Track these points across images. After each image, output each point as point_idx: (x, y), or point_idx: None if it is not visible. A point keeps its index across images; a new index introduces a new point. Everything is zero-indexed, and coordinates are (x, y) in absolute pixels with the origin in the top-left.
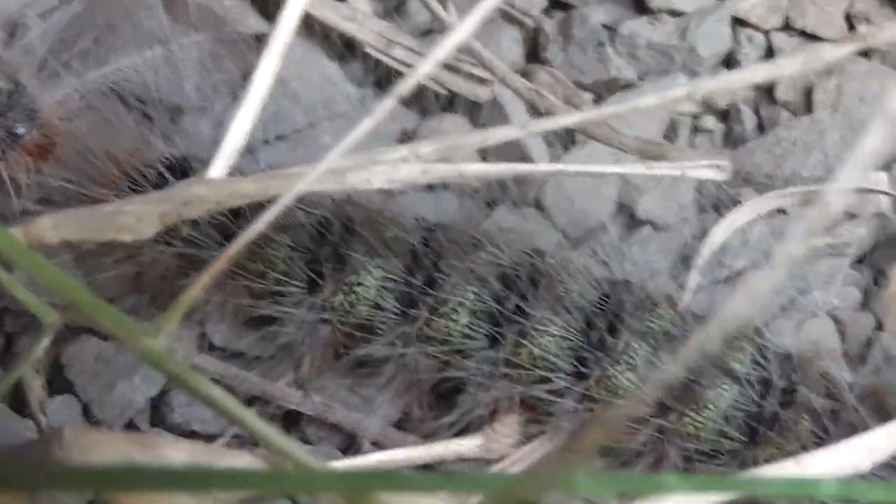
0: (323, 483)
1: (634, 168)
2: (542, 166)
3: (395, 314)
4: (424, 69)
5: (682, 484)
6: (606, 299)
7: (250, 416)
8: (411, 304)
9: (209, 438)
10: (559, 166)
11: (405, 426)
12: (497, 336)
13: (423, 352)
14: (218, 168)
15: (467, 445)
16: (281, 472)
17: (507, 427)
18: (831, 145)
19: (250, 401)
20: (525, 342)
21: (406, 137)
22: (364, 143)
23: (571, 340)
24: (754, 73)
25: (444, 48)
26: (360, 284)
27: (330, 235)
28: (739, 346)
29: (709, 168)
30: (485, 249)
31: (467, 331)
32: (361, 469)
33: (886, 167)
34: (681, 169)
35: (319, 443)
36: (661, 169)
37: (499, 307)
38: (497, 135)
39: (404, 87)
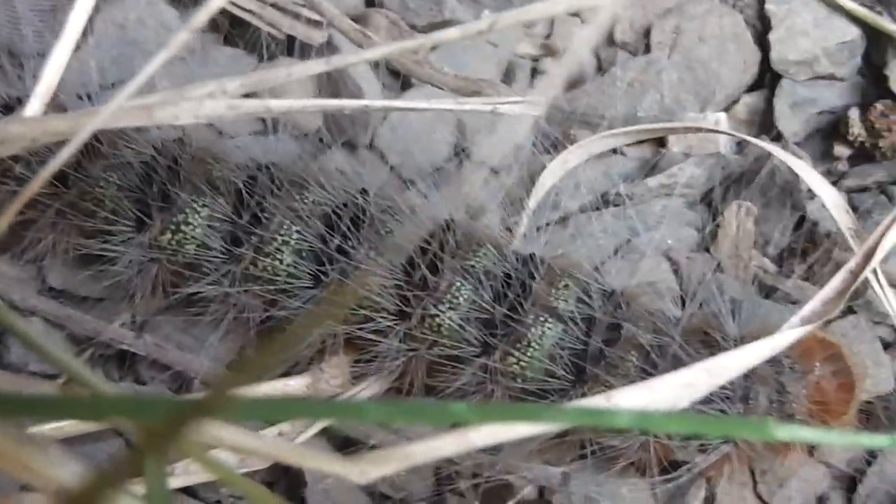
0: (114, 408)
1: (444, 104)
2: (348, 102)
3: (222, 253)
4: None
5: (471, 414)
6: (430, 239)
7: (64, 355)
8: (237, 243)
9: (48, 378)
10: (364, 102)
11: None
12: (321, 276)
13: (249, 291)
14: (33, 107)
15: (295, 385)
16: (74, 397)
17: (335, 367)
18: (668, 85)
19: (85, 341)
20: (348, 282)
21: None
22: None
23: (394, 280)
24: (556, 4)
25: None
26: (186, 223)
27: (158, 175)
28: (564, 284)
29: (521, 104)
30: (311, 190)
31: (292, 270)
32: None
33: (727, 108)
34: (492, 104)
35: (152, 382)
36: (472, 104)
37: (322, 247)
38: (300, 69)
39: (199, 18)
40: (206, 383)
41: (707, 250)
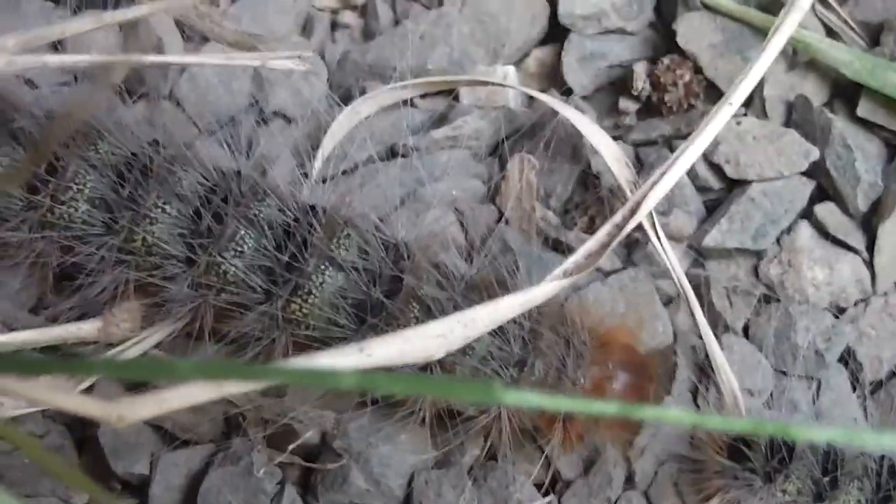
0: None
1: (214, 58)
2: (114, 56)
3: (20, 201)
4: None
5: (194, 371)
6: (216, 188)
7: None
8: (33, 190)
9: None
10: (129, 56)
11: (39, 310)
12: (112, 223)
13: (46, 237)
14: None
15: (87, 329)
16: None
17: (125, 312)
18: (458, 38)
19: None
20: (139, 229)
21: None
22: None
23: (182, 228)
24: None
25: None
26: None
27: None
28: (346, 234)
29: (289, 59)
30: (105, 140)
31: (86, 217)
32: None
33: (517, 62)
34: (262, 59)
35: None
36: (241, 59)
37: (114, 195)
38: (72, 27)
39: None
40: (7, 325)
41: (493, 202)
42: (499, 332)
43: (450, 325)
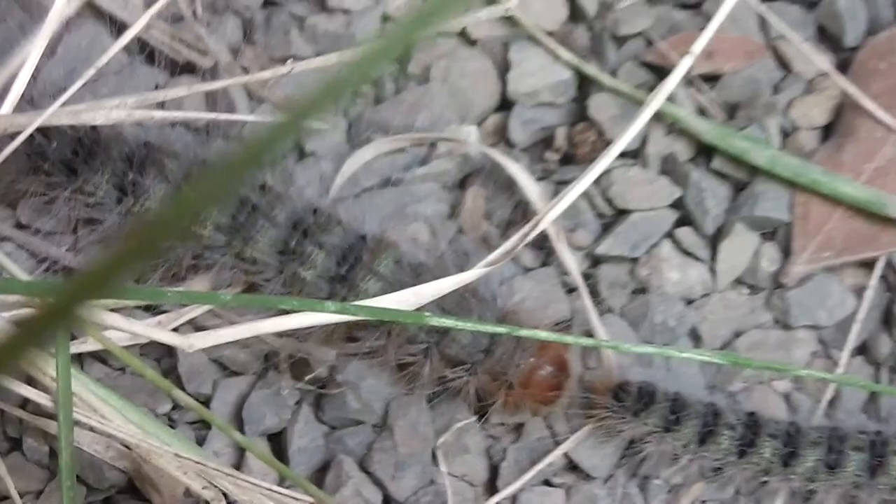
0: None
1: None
2: (206, 115)
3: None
4: None
5: (234, 301)
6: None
7: None
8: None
9: None
10: (223, 116)
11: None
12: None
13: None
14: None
15: None
16: None
17: None
18: (438, 106)
19: None
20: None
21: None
22: None
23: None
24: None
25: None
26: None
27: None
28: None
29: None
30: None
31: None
32: None
33: (479, 123)
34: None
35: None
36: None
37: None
38: (171, 92)
39: (119, 44)
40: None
41: (454, 220)
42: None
43: (405, 296)
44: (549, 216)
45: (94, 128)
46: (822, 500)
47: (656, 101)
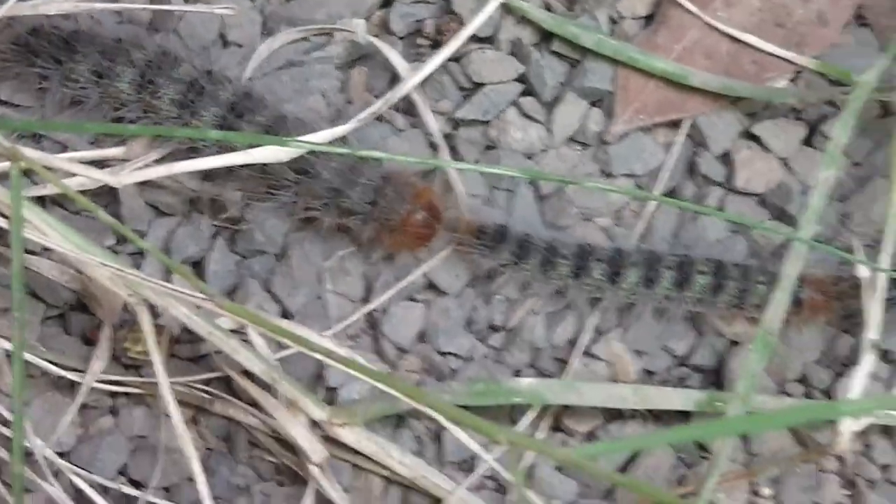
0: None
1: (190, 7)
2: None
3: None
4: None
5: (141, 131)
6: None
7: None
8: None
9: None
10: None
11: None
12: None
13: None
14: None
15: (116, 151)
16: None
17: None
18: (335, 4)
19: None
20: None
21: None
22: None
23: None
24: None
25: None
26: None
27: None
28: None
29: (228, 8)
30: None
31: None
32: None
33: (367, 17)
34: (210, 8)
35: None
36: (202, 8)
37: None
38: None
39: None
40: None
41: (344, 92)
42: (353, 182)
43: (268, 151)
44: (410, 83)
45: (75, 31)
46: (640, 311)
47: None
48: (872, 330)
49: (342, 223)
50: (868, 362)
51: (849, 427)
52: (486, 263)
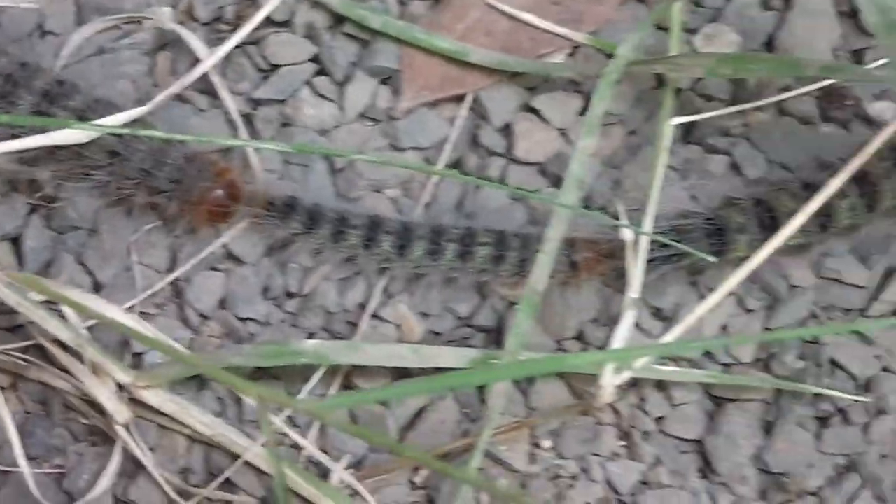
0: None
1: None
2: None
3: None
4: None
5: None
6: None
7: None
8: None
9: None
10: None
11: None
12: None
13: None
14: None
15: None
16: None
17: None
18: None
19: None
20: None
21: None
22: None
23: None
24: None
25: None
26: None
27: None
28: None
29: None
30: None
31: None
32: None
33: (173, 5)
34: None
35: None
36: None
37: None
38: None
39: None
40: None
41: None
42: (160, 163)
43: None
44: (206, 64)
45: None
46: (429, 282)
47: None
48: (634, 288)
49: (152, 201)
50: (629, 318)
51: (610, 380)
52: (280, 234)
